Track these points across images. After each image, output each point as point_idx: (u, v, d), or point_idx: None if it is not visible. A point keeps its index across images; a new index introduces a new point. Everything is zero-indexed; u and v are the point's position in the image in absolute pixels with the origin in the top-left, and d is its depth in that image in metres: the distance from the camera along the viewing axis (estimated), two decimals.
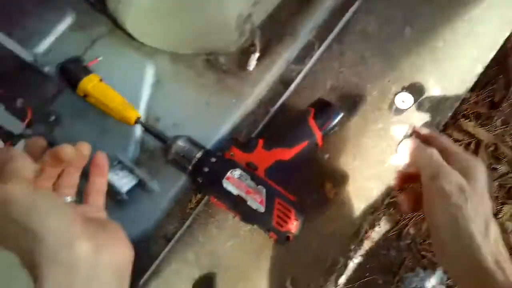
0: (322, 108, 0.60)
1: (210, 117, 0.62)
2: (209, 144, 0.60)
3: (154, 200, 0.59)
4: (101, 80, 0.58)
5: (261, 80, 0.64)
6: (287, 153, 0.57)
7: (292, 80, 0.66)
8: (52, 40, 0.66)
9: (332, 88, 0.67)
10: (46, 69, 0.64)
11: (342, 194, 0.64)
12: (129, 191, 0.57)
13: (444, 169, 0.43)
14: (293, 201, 0.55)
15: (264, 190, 0.53)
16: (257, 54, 0.62)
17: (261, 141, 0.58)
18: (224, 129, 0.62)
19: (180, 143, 0.55)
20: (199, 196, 0.62)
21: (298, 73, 0.66)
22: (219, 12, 0.54)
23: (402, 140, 0.50)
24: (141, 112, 0.61)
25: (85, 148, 0.39)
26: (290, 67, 0.66)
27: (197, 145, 0.56)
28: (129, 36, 0.63)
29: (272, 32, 0.66)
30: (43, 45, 0.65)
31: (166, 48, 0.63)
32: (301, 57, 0.67)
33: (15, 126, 0.46)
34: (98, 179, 0.42)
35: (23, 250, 0.30)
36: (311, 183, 0.64)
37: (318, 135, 0.57)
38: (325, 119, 0.58)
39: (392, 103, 0.62)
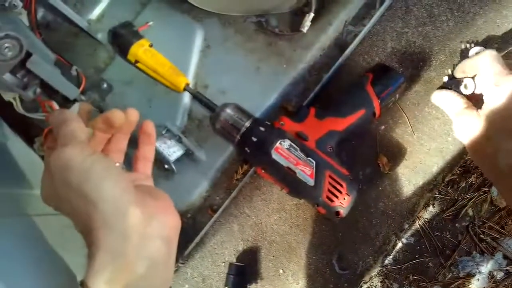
0: (381, 74, 0.54)
1: (259, 84, 0.59)
2: (258, 112, 0.57)
3: (201, 170, 0.58)
4: (151, 45, 0.57)
5: (315, 43, 0.59)
6: (341, 123, 0.53)
7: (348, 43, 0.60)
8: (105, 5, 0.66)
9: (393, 51, 0.60)
10: (99, 36, 0.65)
11: (398, 168, 0.59)
12: (176, 161, 0.57)
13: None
14: (346, 175, 0.51)
15: (314, 163, 0.50)
16: (311, 14, 0.57)
17: (312, 110, 0.54)
18: (273, 96, 0.59)
19: (229, 111, 0.53)
20: (245, 167, 0.60)
21: (356, 35, 0.60)
22: None
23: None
24: (189, 79, 0.60)
25: (134, 114, 0.39)
26: (347, 28, 0.60)
27: (246, 113, 0.54)
28: (179, 0, 0.61)
29: None
30: (96, 11, 0.66)
31: (217, 10, 0.60)
32: (360, 17, 0.61)
33: (71, 91, 0.47)
34: (147, 147, 0.41)
35: (78, 214, 0.31)
36: (365, 156, 0.59)
37: (376, 103, 0.52)
38: (384, 86, 0.53)
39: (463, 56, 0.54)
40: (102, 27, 0.65)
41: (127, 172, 0.40)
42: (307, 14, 0.57)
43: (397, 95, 0.55)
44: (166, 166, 0.57)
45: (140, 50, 0.56)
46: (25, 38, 0.35)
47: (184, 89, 0.56)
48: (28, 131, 0.65)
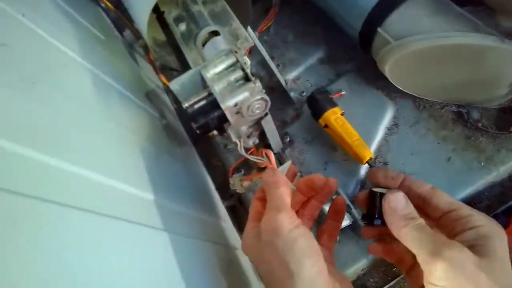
0: None
1: (447, 175, 0.55)
2: None
3: (363, 247, 0.56)
4: (343, 114, 0.60)
5: None
6: None
7: None
8: (302, 69, 0.74)
9: None
10: (292, 94, 0.72)
11: None
12: (341, 230, 0.56)
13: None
14: None
15: None
16: None
17: None
18: (462, 192, 0.54)
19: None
20: None
21: None
22: (501, 66, 0.48)
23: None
24: (371, 151, 0.60)
25: (334, 184, 0.40)
26: None
27: None
28: (375, 75, 0.64)
29: None
30: (294, 73, 0.74)
31: (414, 93, 0.60)
32: None
33: (278, 146, 0.52)
34: (335, 223, 0.41)
35: (274, 276, 0.32)
36: None
37: None
38: None
39: None
40: (295, 87, 0.73)
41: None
42: None
43: None
44: None
45: (332, 117, 0.60)
46: None
47: (367, 162, 0.56)
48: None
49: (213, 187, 0.73)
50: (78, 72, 0.48)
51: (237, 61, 0.41)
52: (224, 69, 0.41)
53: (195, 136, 0.80)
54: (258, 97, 0.39)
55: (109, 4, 0.69)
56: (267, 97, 0.40)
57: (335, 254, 0.56)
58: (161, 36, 0.58)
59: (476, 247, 0.27)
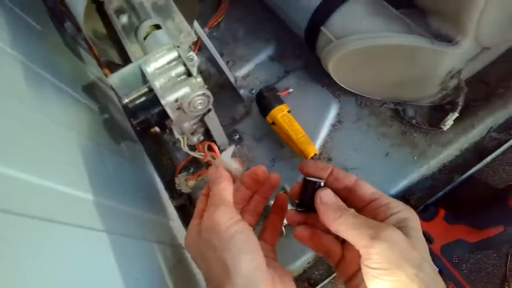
0: None
1: (385, 169, 0.58)
2: None
3: None
4: (289, 111, 0.61)
5: (453, 142, 0.57)
6: (474, 235, 0.49)
7: (490, 150, 0.57)
8: (252, 66, 0.74)
9: None
10: (241, 91, 0.72)
11: None
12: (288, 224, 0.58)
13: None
14: None
15: (437, 270, 0.47)
16: (456, 115, 0.56)
17: (442, 212, 0.52)
18: (398, 185, 0.57)
19: None
20: None
21: (500, 143, 0.57)
22: (432, 66, 0.51)
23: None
24: (316, 148, 0.62)
25: (277, 179, 0.40)
26: (491, 135, 0.58)
27: None
28: (321, 74, 0.66)
29: (476, 93, 0.59)
30: (243, 71, 0.74)
31: (356, 91, 0.63)
32: (508, 126, 0.58)
33: (224, 142, 0.52)
34: (278, 217, 0.42)
35: (212, 274, 0.32)
36: (492, 276, 0.53)
37: None
38: None
39: None
40: (245, 84, 0.73)
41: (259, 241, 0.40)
42: (451, 113, 0.57)
43: None
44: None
45: (279, 114, 0.61)
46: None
47: (311, 158, 0.58)
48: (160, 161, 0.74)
49: (161, 186, 0.72)
50: (6, 63, 0.45)
51: (179, 56, 0.40)
52: (166, 64, 0.40)
53: (143, 133, 0.78)
54: (200, 92, 0.38)
55: None
56: (209, 93, 0.39)
57: (282, 248, 0.58)
58: (102, 28, 0.56)
59: (400, 229, 0.29)
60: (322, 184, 0.34)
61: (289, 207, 0.42)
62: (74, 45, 0.79)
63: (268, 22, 0.76)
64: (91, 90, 0.67)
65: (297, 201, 0.37)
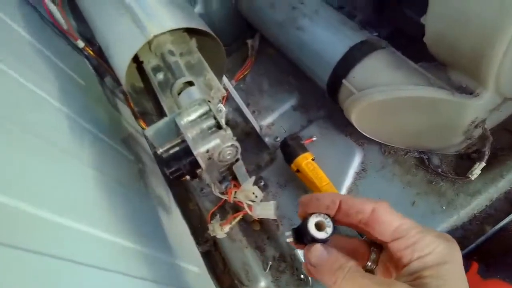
0: None
1: (414, 219, 0.56)
2: None
3: None
4: (313, 159, 0.63)
5: (482, 192, 0.56)
6: None
7: None
8: (277, 116, 0.77)
9: None
10: (266, 139, 0.75)
11: None
12: None
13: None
14: None
15: None
16: (483, 164, 0.55)
17: (475, 265, 0.49)
18: None
19: None
20: None
21: None
22: (453, 117, 0.52)
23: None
24: None
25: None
26: None
27: None
28: (344, 123, 0.68)
29: (502, 142, 0.59)
30: (269, 119, 0.77)
31: (380, 140, 0.64)
32: None
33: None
34: None
35: None
36: None
37: None
38: None
39: None
40: (270, 132, 0.76)
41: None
42: (478, 163, 0.56)
43: None
44: (301, 276, 0.57)
45: (303, 162, 0.62)
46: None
47: None
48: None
49: (188, 231, 0.73)
50: (54, 116, 0.50)
51: (210, 110, 0.43)
52: (198, 117, 0.43)
53: (175, 181, 0.81)
54: (229, 143, 0.41)
55: (92, 52, 0.72)
56: (237, 144, 0.42)
57: None
58: (140, 83, 0.61)
59: (424, 278, 0.23)
60: (323, 236, 0.27)
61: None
62: (112, 97, 0.85)
63: (291, 74, 0.81)
64: (126, 139, 0.72)
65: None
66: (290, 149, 0.64)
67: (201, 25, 0.51)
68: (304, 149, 0.64)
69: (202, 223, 0.75)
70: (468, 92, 0.51)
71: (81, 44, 0.70)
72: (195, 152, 0.40)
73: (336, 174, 0.63)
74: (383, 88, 0.54)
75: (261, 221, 0.67)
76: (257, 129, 0.74)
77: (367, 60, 0.57)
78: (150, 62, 0.54)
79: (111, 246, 0.41)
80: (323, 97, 0.75)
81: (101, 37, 0.55)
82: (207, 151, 0.41)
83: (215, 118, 0.43)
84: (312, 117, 0.74)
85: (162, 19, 0.49)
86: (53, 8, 0.64)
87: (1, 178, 0.30)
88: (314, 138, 0.69)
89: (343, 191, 0.63)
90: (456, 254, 0.25)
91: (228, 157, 0.42)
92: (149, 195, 0.65)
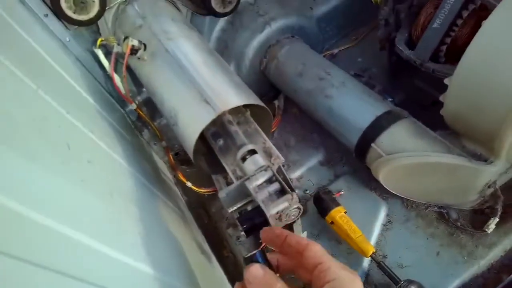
0: None
1: (438, 268, 0.64)
2: None
3: None
4: (345, 212, 0.70)
5: (497, 244, 0.64)
6: None
7: None
8: (305, 170, 0.86)
9: None
10: (296, 191, 0.82)
11: None
12: None
13: None
14: None
15: None
16: (496, 219, 0.64)
17: None
18: (451, 284, 0.63)
19: None
20: None
21: None
22: (470, 180, 0.61)
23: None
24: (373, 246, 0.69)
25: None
26: None
27: None
28: (368, 178, 0.76)
29: (511, 199, 0.68)
30: (297, 173, 0.85)
31: (401, 195, 0.72)
32: None
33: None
34: None
35: None
36: None
37: None
38: None
39: None
40: (299, 185, 0.83)
41: None
42: (492, 218, 0.65)
43: None
44: None
45: (337, 215, 0.70)
46: None
47: (371, 256, 0.65)
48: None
49: (225, 276, 0.78)
50: (129, 177, 0.57)
51: (273, 175, 0.51)
52: (264, 182, 0.51)
53: (205, 227, 0.87)
54: (295, 206, 0.48)
55: (142, 113, 0.81)
56: (301, 206, 0.49)
57: None
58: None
59: None
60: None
61: None
62: (149, 150, 0.93)
63: (315, 132, 0.90)
64: (165, 186, 0.79)
65: None
66: (324, 203, 0.72)
67: (258, 101, 0.61)
68: (337, 203, 0.72)
69: (237, 268, 0.80)
70: (482, 159, 0.60)
71: (134, 106, 0.78)
72: (268, 214, 0.47)
73: (365, 225, 0.71)
74: (409, 154, 0.63)
75: None
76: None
77: (393, 128, 0.67)
78: (209, 129, 0.62)
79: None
80: (346, 154, 0.84)
81: (167, 105, 0.63)
82: (277, 213, 0.48)
83: (280, 183, 0.50)
84: (338, 172, 0.83)
85: (228, 97, 0.58)
86: (116, 76, 0.72)
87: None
88: (342, 192, 0.77)
89: (373, 240, 0.70)
90: (352, 282, 0.32)
91: (293, 217, 0.49)
92: (192, 241, 0.70)
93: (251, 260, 0.36)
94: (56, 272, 0.26)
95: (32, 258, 0.24)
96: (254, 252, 0.38)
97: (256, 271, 0.33)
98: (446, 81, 0.59)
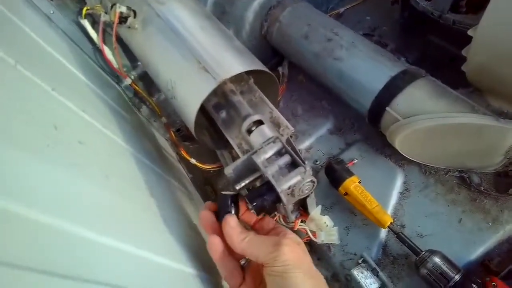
0: None
1: (461, 236, 0.61)
2: (457, 264, 0.58)
3: None
4: (360, 182, 0.66)
5: None
6: None
7: None
8: (314, 139, 0.81)
9: None
10: (306, 162, 0.78)
11: None
12: None
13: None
14: None
15: None
16: None
17: None
18: (476, 251, 0.59)
19: (437, 259, 0.55)
20: None
21: None
22: (497, 141, 0.56)
23: None
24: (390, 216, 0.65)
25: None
26: None
27: (454, 265, 0.55)
28: (382, 145, 0.72)
29: None
30: (306, 143, 0.81)
31: (419, 161, 0.67)
32: None
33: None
34: None
35: None
36: None
37: None
38: None
39: None
40: (309, 156, 0.79)
41: None
42: None
43: None
44: None
45: (351, 185, 0.66)
46: None
47: (388, 227, 0.61)
48: None
49: None
50: (128, 157, 0.53)
51: (283, 146, 0.47)
52: (273, 155, 0.47)
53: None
54: (309, 179, 0.44)
55: (138, 88, 0.75)
56: (315, 179, 0.45)
57: None
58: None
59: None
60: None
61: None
62: (148, 127, 0.88)
63: (323, 99, 0.85)
64: (168, 164, 0.75)
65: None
66: (336, 173, 0.68)
67: (262, 67, 0.55)
68: (350, 173, 0.67)
69: None
70: (509, 117, 0.55)
71: (129, 81, 0.73)
72: (279, 189, 0.43)
73: (380, 195, 0.67)
74: (430, 116, 0.58)
75: (310, 243, 0.70)
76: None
77: (410, 89, 0.62)
78: (210, 100, 0.57)
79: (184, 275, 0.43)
80: (357, 120, 0.79)
81: (163, 77, 0.58)
82: (289, 188, 0.44)
83: (291, 155, 0.46)
84: (349, 140, 0.78)
85: (230, 63, 0.53)
86: (106, 48, 0.67)
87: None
88: (355, 161, 0.73)
89: (390, 210, 0.67)
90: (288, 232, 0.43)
91: (306, 191, 0.45)
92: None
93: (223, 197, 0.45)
94: (41, 273, 0.22)
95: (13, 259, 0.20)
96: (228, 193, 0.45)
97: (236, 221, 0.42)
98: (470, 32, 0.53)
